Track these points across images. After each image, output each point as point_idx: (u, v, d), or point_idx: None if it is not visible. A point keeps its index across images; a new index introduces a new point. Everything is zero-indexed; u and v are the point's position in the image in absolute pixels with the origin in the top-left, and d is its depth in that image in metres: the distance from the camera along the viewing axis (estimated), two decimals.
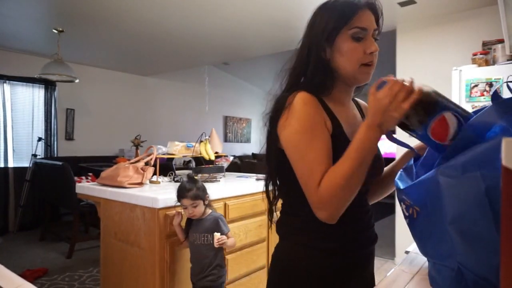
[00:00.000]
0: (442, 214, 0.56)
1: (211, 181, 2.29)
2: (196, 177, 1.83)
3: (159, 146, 2.28)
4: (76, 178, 3.70)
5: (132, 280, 1.81)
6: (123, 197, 1.84)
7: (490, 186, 0.45)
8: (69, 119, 5.19)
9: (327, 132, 0.78)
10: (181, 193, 1.62)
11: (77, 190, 2.19)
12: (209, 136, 2.64)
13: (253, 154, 7.63)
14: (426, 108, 0.65)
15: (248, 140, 8.44)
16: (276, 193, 0.91)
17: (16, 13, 3.33)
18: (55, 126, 4.98)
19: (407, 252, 0.94)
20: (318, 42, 0.80)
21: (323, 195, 0.71)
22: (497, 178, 0.44)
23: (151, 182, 2.15)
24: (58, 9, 3.32)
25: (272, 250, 0.94)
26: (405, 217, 0.68)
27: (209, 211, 1.69)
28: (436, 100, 0.65)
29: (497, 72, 2.45)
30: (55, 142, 4.99)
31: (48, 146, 4.88)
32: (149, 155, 2.15)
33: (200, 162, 2.65)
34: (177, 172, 2.61)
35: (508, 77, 2.28)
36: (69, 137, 5.20)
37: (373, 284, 0.92)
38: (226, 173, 2.78)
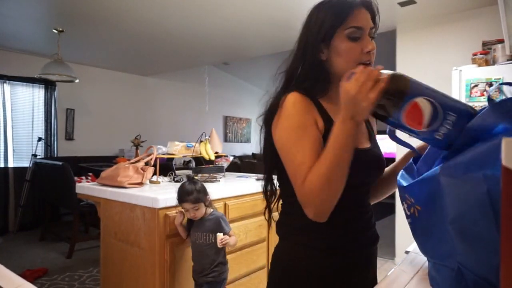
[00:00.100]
0: (443, 214, 0.57)
1: (211, 181, 2.29)
2: (196, 177, 1.83)
3: (159, 146, 2.28)
4: (76, 178, 3.70)
5: (132, 280, 1.81)
6: (123, 197, 1.84)
7: (492, 187, 0.45)
8: (69, 119, 5.19)
9: (317, 131, 0.78)
10: (182, 197, 1.62)
11: (77, 190, 2.19)
12: (209, 136, 2.64)
13: (253, 154, 7.63)
14: (396, 95, 0.63)
15: (248, 140, 8.44)
16: (274, 192, 0.92)
17: (16, 13, 3.33)
18: (55, 126, 4.98)
19: (407, 252, 0.94)
20: (313, 42, 0.80)
21: (306, 192, 0.72)
22: (500, 179, 0.44)
23: (151, 182, 2.15)
24: (58, 9, 3.32)
25: (272, 250, 0.94)
26: (407, 216, 0.68)
27: (210, 210, 1.69)
28: (405, 86, 0.63)
29: (497, 72, 2.45)
30: (55, 142, 4.99)
31: (48, 146, 4.88)
32: (149, 155, 2.15)
33: (200, 162, 2.64)
34: (177, 172, 2.61)
35: (501, 79, 2.28)
36: (69, 137, 5.20)
37: (375, 284, 0.91)
38: (226, 173, 2.78)
